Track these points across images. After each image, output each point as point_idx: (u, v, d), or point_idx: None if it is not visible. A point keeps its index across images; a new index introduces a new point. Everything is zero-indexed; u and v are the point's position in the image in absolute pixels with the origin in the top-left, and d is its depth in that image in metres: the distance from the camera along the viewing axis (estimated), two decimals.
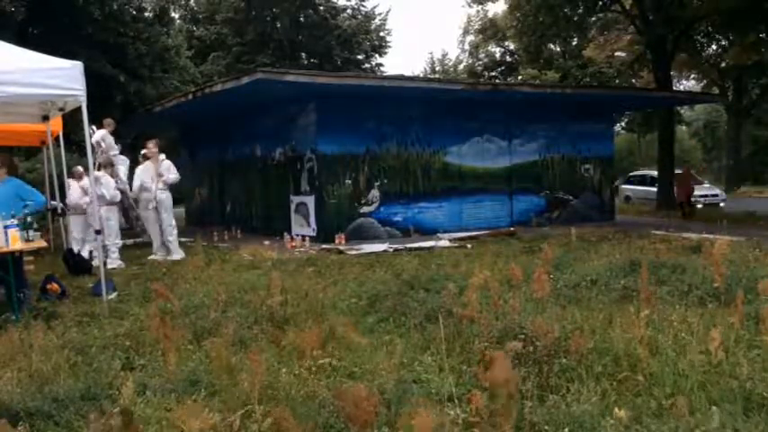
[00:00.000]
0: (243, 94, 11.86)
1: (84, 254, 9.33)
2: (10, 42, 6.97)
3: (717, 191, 22.97)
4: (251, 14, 30.16)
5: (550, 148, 15.09)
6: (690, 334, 4.38)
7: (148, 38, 17.40)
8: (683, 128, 44.83)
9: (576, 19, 22.91)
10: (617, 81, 31.10)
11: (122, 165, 11.25)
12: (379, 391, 3.51)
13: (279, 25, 31.13)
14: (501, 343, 4.17)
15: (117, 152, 10.99)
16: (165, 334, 4.40)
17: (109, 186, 9.91)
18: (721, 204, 21.23)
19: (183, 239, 12.61)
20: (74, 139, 13.37)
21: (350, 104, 12.16)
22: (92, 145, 8.07)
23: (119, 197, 10.39)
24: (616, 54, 32.14)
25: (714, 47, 28.70)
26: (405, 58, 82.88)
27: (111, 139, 10.80)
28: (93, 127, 10.17)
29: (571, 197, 15.43)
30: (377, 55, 33.63)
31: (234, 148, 15.68)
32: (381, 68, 33.61)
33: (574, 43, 34.48)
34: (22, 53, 6.57)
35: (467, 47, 45.92)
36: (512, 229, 13.03)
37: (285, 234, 12.41)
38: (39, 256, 8.21)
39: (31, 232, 6.41)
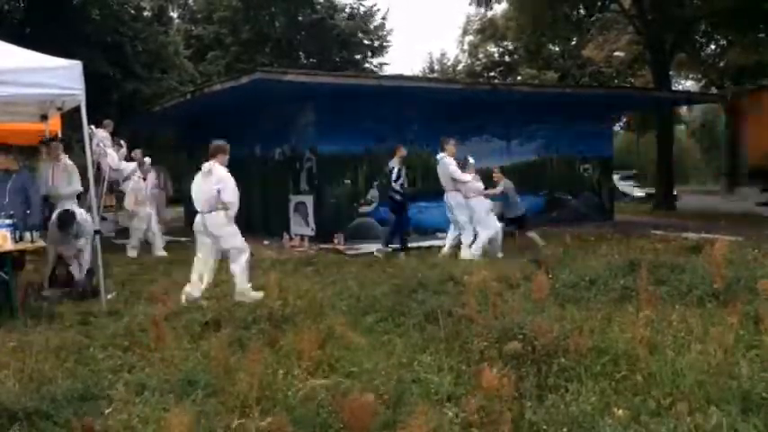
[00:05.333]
0: (242, 94, 11.85)
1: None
2: (8, 42, 6.95)
3: None
4: (249, 14, 30.13)
5: (549, 148, 15.07)
6: (689, 334, 4.38)
7: (146, 38, 17.40)
8: (682, 128, 44.83)
9: (574, 18, 22.91)
10: (616, 81, 31.10)
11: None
12: (378, 391, 3.51)
13: (277, 25, 31.12)
14: (500, 343, 4.17)
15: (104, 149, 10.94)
16: (163, 334, 4.40)
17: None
18: None
19: (182, 239, 12.61)
20: (67, 139, 13.29)
21: (349, 104, 12.14)
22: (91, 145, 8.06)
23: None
24: (615, 54, 32.10)
25: (713, 47, 28.66)
26: (403, 57, 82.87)
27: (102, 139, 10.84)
28: (93, 126, 10.15)
29: (570, 197, 15.42)
30: (376, 55, 33.63)
31: (233, 147, 15.60)
32: (380, 68, 33.61)
33: (573, 43, 34.46)
34: (20, 52, 6.56)
35: (465, 47, 45.87)
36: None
37: (284, 234, 12.40)
38: (38, 257, 8.17)
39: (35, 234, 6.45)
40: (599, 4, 22.30)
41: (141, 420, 3.32)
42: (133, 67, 16.73)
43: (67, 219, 6.88)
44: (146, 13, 19.45)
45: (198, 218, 6.53)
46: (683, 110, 40.95)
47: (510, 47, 40.56)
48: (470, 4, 24.68)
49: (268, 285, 6.52)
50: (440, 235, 12.12)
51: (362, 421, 2.95)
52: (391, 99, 12.53)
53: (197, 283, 6.39)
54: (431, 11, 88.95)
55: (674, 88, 25.54)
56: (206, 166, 6.66)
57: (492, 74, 41.87)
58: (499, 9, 29.66)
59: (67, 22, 15.06)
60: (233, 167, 12.66)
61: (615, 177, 23.19)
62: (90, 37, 15.26)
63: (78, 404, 3.52)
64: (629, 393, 3.52)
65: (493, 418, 3.10)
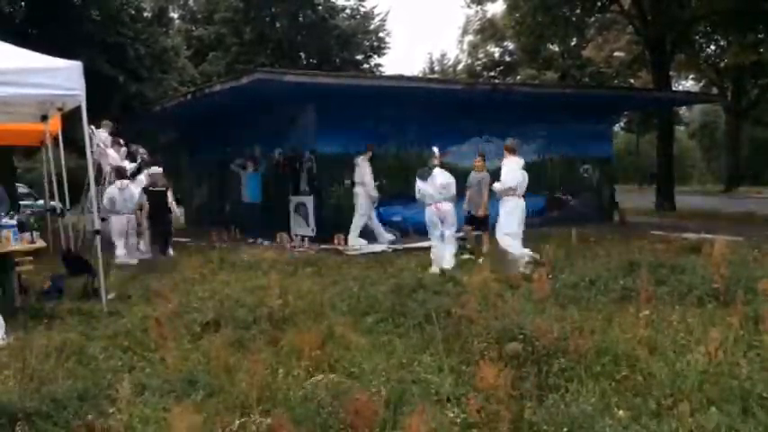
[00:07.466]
0: (242, 95, 11.84)
1: None
2: (9, 43, 6.95)
3: None
4: (250, 14, 30.13)
5: (549, 149, 15.07)
6: (689, 334, 4.38)
7: (147, 38, 17.37)
8: (682, 128, 44.87)
9: (574, 19, 22.93)
10: (616, 81, 31.11)
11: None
12: (378, 391, 3.51)
13: (278, 25, 31.11)
14: (500, 343, 4.17)
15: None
16: (163, 334, 4.40)
17: None
18: None
19: (182, 240, 12.61)
20: (70, 138, 13.34)
21: (349, 105, 12.13)
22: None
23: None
24: (615, 54, 32.16)
25: (713, 47, 28.72)
26: (404, 58, 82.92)
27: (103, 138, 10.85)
28: (92, 127, 10.15)
29: (570, 197, 15.42)
30: (376, 55, 33.63)
31: (233, 148, 15.66)
32: (380, 69, 33.62)
33: (572, 43, 34.52)
34: (21, 53, 6.56)
35: (465, 47, 45.98)
36: None
37: (284, 234, 12.39)
38: (37, 257, 8.19)
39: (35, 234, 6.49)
40: (598, 4, 22.30)
41: (142, 420, 3.33)
42: (135, 69, 16.70)
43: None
44: (146, 14, 19.41)
45: None
46: (683, 110, 41.00)
47: (510, 47, 40.63)
48: (462, 7, 24.83)
49: (268, 286, 6.51)
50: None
51: (363, 421, 2.95)
52: (391, 99, 12.53)
53: None
54: (431, 12, 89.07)
55: (674, 88, 25.57)
56: None
57: (492, 74, 41.95)
58: (499, 9, 29.73)
59: (68, 23, 15.04)
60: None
61: None
62: (91, 38, 15.22)
63: (78, 404, 3.52)
64: (630, 393, 3.52)
65: (493, 418, 3.10)
